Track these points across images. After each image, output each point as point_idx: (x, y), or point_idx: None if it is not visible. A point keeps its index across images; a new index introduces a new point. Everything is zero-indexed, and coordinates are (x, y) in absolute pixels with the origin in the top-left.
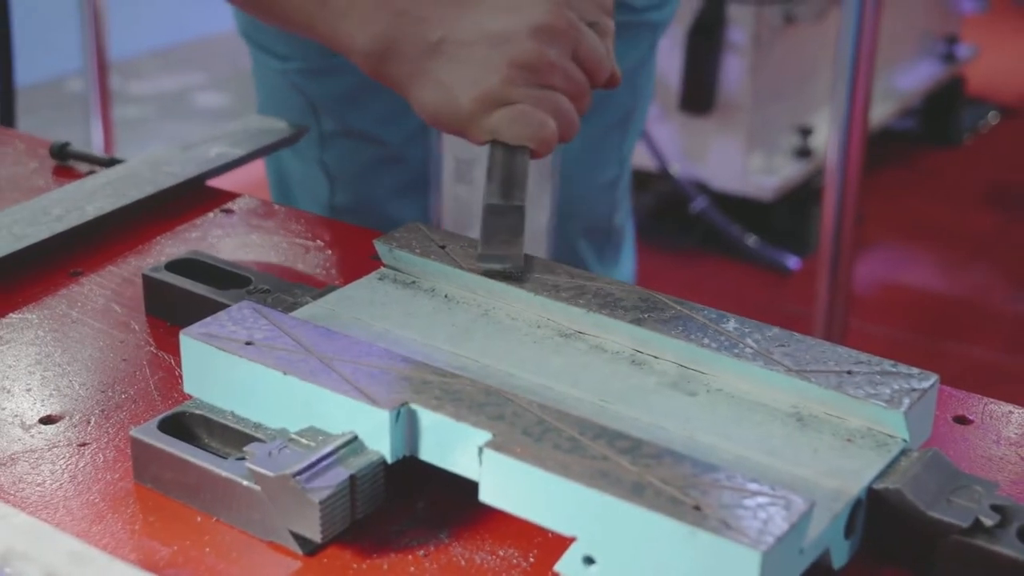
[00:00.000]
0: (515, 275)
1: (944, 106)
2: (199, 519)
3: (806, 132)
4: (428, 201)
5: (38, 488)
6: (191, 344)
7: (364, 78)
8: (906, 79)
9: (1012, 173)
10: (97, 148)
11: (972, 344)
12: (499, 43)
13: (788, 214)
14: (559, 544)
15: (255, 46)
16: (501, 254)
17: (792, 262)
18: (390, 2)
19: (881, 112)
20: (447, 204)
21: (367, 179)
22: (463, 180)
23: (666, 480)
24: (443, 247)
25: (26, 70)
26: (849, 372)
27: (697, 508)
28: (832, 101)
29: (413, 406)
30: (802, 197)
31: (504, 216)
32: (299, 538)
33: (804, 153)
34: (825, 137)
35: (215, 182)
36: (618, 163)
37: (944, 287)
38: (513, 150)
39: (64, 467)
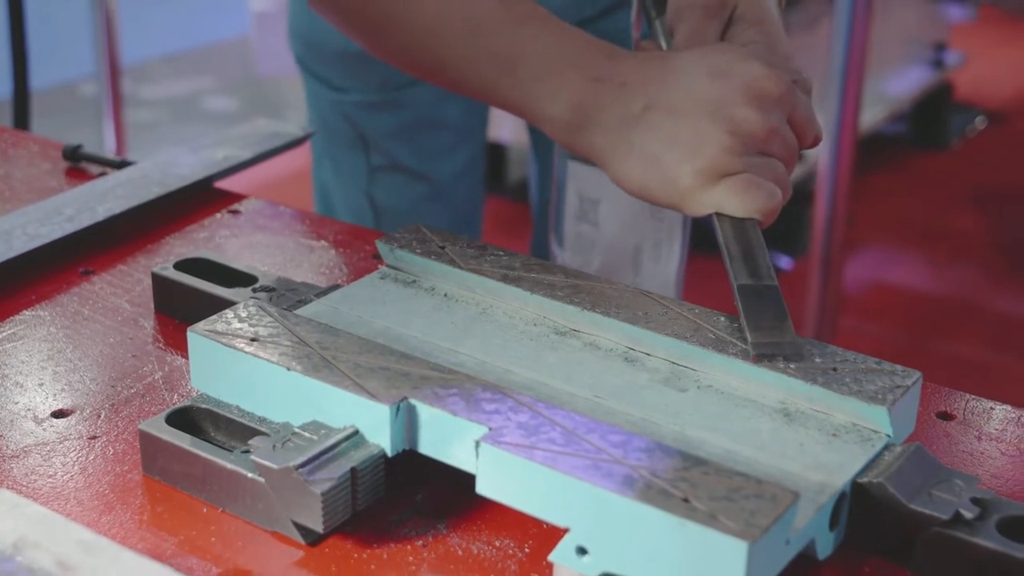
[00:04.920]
0: (794, 357)
1: (933, 111)
2: (205, 510)
3: None
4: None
5: (49, 480)
6: (198, 340)
7: (418, 115)
8: (896, 85)
9: (998, 176)
10: (109, 150)
11: (958, 342)
12: (714, 110)
13: (781, 216)
14: (554, 535)
15: (310, 75)
16: (776, 341)
17: (784, 262)
18: (586, 67)
19: (871, 117)
20: (569, 243)
21: (413, 215)
22: (585, 219)
23: (656, 473)
24: (443, 247)
25: (41, 74)
26: (835, 369)
27: (686, 500)
28: (823, 107)
29: (412, 401)
30: (794, 199)
31: (761, 297)
32: (302, 528)
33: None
34: None
35: (224, 184)
36: None
37: (931, 286)
38: (742, 222)
39: (75, 459)
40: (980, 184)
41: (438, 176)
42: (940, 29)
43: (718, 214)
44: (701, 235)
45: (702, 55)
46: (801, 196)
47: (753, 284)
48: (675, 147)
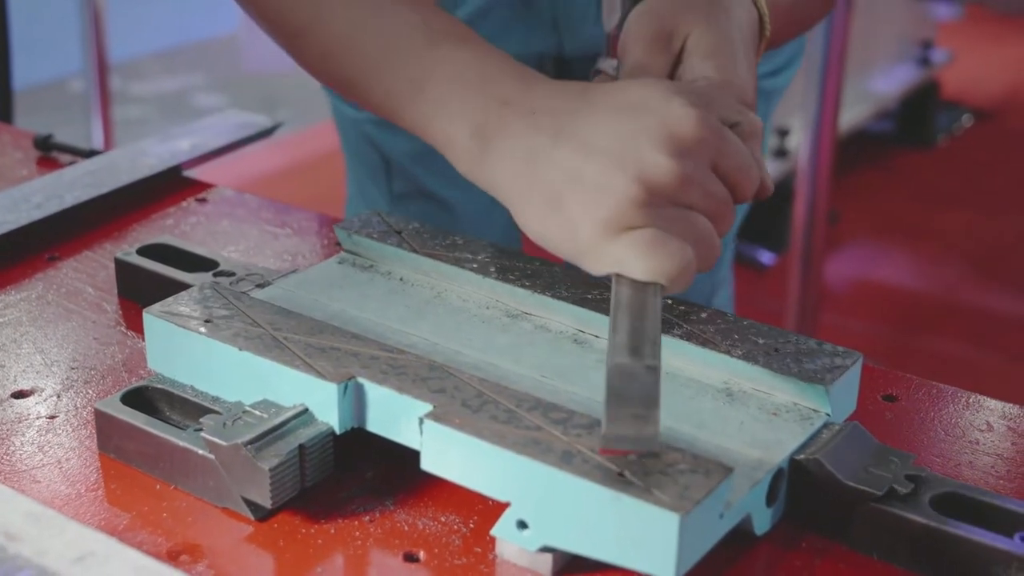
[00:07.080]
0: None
1: (919, 109)
2: (158, 487)
3: (783, 133)
4: None
5: (7, 458)
6: (154, 322)
7: None
8: (882, 83)
9: (984, 174)
10: (97, 146)
11: (942, 339)
12: (623, 153)
13: (766, 212)
14: (498, 511)
15: (331, 92)
16: (633, 436)
17: (767, 258)
18: (495, 89)
19: (858, 115)
20: None
21: None
22: None
23: (594, 449)
24: (399, 233)
25: (30, 71)
26: (776, 350)
27: (622, 475)
28: (803, 104)
29: (360, 380)
30: (779, 196)
31: (635, 380)
32: (251, 504)
33: (781, 153)
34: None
35: (208, 178)
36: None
37: (916, 284)
38: (643, 286)
39: (33, 438)
40: (965, 181)
41: (463, 205)
42: (927, 27)
43: (618, 275)
44: None
45: (621, 88)
46: (783, 192)
47: (629, 364)
48: (578, 189)
